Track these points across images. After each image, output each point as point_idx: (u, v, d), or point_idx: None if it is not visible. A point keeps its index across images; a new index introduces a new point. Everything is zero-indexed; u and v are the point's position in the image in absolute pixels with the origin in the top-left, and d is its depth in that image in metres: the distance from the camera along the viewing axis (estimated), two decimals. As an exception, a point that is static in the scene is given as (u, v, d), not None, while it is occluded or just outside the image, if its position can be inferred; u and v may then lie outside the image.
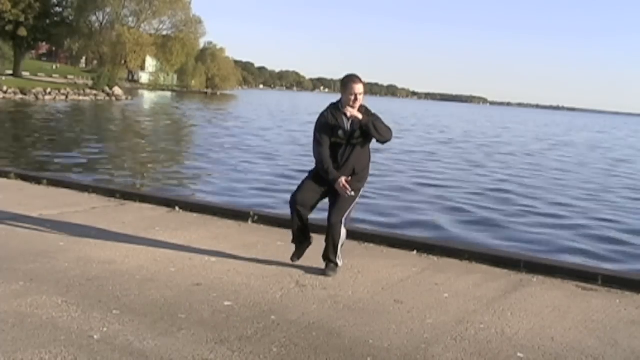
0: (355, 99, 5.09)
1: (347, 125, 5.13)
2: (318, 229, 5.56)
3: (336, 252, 5.30)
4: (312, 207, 5.34)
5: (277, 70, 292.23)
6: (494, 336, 4.16)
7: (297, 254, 5.45)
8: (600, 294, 5.26)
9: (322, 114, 5.22)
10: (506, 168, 22.02)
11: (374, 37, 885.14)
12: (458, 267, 5.81)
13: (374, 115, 5.21)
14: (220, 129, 32.23)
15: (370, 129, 5.08)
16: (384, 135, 5.17)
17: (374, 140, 5.27)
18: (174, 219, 7.11)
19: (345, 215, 5.23)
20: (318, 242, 5.41)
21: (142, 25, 73.89)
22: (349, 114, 5.08)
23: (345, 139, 5.14)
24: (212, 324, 4.04)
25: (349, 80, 5.16)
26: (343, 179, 5.08)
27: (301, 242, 5.41)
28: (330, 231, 5.25)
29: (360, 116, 5.06)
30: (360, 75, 5.19)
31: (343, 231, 5.28)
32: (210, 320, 4.11)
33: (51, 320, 3.92)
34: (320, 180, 5.25)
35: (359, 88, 5.10)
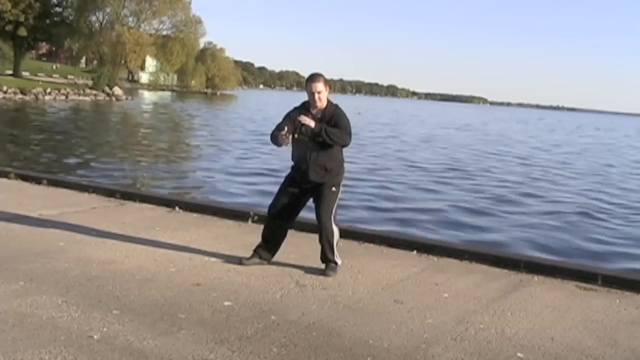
0: (315, 97, 5.17)
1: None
2: (313, 229, 5.58)
3: (333, 251, 5.32)
4: (291, 215, 5.42)
5: (277, 70, 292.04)
6: (494, 336, 4.16)
7: (253, 253, 5.45)
8: (600, 294, 5.26)
9: (292, 109, 5.31)
10: None
11: (374, 37, 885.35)
12: (458, 267, 5.81)
13: (339, 116, 5.19)
14: (220, 129, 32.23)
15: (323, 137, 5.11)
16: (337, 141, 5.17)
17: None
18: (174, 219, 7.11)
19: (333, 213, 5.27)
20: (317, 241, 5.41)
21: (142, 25, 73.95)
22: (301, 122, 5.12)
23: (307, 136, 5.17)
24: (212, 324, 4.04)
25: (308, 80, 5.27)
26: (282, 132, 5.09)
27: (267, 247, 5.44)
28: (322, 231, 5.28)
29: (312, 124, 5.10)
30: (323, 73, 5.29)
31: (335, 229, 5.31)
32: (210, 320, 4.11)
33: (51, 320, 3.92)
34: (295, 184, 5.33)
35: (315, 87, 5.17)
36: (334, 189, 5.28)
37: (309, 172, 5.21)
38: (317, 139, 5.14)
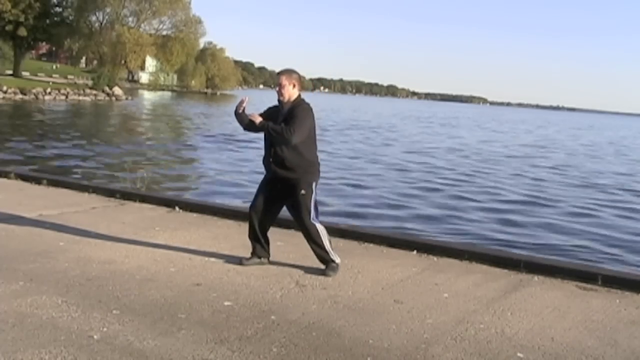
0: (277, 90, 5.30)
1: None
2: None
3: (326, 250, 5.29)
4: (270, 211, 5.40)
5: (277, 70, 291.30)
6: (494, 336, 4.16)
7: (252, 254, 5.47)
8: (600, 294, 5.26)
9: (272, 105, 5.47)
10: None
11: (374, 37, 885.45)
12: (458, 267, 5.81)
13: (295, 113, 5.14)
14: (220, 128, 32.23)
15: (266, 132, 5.18)
16: (278, 139, 5.14)
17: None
18: (174, 219, 7.11)
19: (312, 213, 5.24)
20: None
21: (142, 25, 74.09)
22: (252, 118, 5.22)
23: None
24: (212, 324, 4.04)
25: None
26: (243, 102, 5.27)
27: (261, 246, 5.46)
28: (309, 235, 5.27)
29: (257, 120, 5.18)
30: (293, 68, 5.45)
31: (320, 227, 5.28)
32: (210, 320, 4.11)
33: (51, 320, 3.92)
34: (270, 182, 5.36)
35: (278, 79, 5.31)
36: (303, 192, 5.20)
37: (271, 165, 5.27)
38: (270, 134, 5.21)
